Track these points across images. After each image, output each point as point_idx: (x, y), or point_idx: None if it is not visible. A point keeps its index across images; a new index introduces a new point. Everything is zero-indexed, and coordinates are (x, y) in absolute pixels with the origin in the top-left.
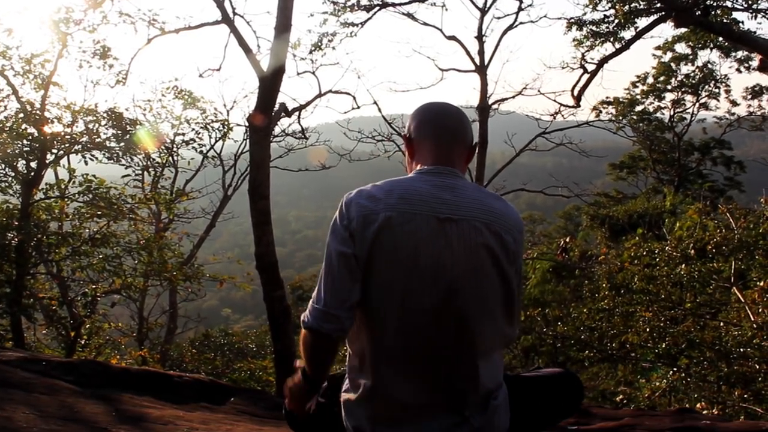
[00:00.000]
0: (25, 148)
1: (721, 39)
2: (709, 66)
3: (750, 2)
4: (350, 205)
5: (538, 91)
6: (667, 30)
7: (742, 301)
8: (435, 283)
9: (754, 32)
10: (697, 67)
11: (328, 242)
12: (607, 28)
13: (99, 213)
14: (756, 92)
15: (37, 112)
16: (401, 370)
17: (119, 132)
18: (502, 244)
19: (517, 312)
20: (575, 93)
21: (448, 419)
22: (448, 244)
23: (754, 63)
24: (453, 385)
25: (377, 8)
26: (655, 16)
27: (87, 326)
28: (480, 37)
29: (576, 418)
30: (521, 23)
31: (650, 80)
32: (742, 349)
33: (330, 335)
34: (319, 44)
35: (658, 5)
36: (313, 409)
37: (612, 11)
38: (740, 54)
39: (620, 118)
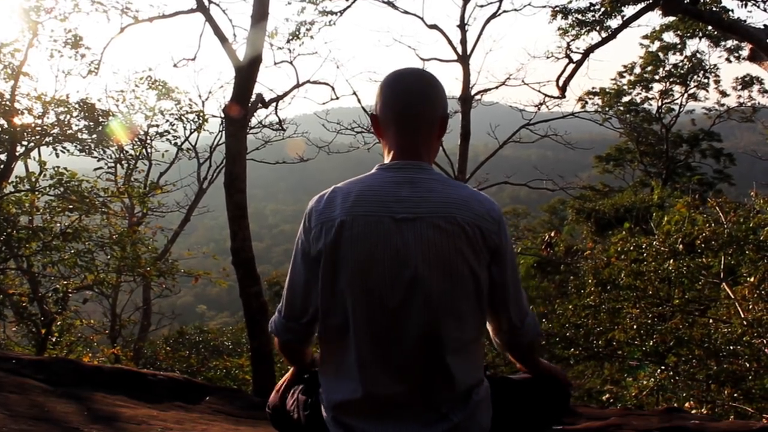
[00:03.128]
0: None
1: (710, 28)
2: (698, 56)
3: None
4: (311, 214)
5: (522, 81)
6: (654, 18)
7: (732, 297)
8: (394, 285)
9: (744, 21)
10: (686, 56)
11: (294, 250)
12: (593, 16)
13: (71, 207)
14: (746, 83)
15: (7, 103)
16: (376, 371)
17: (91, 123)
18: (465, 237)
19: (514, 300)
20: (560, 83)
21: (426, 416)
22: (405, 244)
23: (744, 52)
24: (427, 383)
25: None
26: (643, 4)
27: (58, 323)
28: (462, 26)
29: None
30: (505, 11)
31: (637, 70)
32: (731, 347)
33: (288, 343)
34: (297, 33)
35: None
36: (296, 405)
37: None
38: (730, 43)
39: (606, 109)
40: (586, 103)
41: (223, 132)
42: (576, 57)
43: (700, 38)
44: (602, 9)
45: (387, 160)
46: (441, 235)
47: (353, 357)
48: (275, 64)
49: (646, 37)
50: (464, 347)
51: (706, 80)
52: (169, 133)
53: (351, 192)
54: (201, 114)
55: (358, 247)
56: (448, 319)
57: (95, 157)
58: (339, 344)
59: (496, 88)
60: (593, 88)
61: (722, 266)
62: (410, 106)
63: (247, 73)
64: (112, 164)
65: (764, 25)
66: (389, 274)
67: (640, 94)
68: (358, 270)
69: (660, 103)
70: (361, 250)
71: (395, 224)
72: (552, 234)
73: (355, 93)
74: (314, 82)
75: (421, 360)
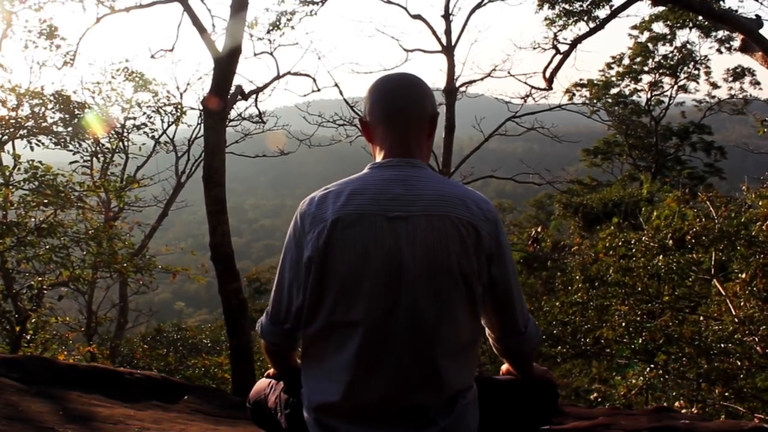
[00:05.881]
0: None
1: (700, 18)
2: (688, 46)
3: None
4: (303, 217)
5: (508, 72)
6: (644, 8)
7: (723, 294)
8: (385, 285)
9: (736, 11)
10: (676, 47)
11: (282, 253)
12: (581, 6)
13: (45, 201)
14: (737, 74)
15: None
16: (364, 373)
17: (67, 116)
18: (459, 237)
19: (519, 304)
20: (547, 75)
21: (413, 420)
22: (398, 243)
23: (736, 43)
24: (416, 386)
25: None
26: None
27: (33, 320)
28: (447, 16)
29: None
30: (490, 1)
31: (626, 61)
32: (722, 345)
33: (273, 347)
34: (278, 23)
35: None
36: (278, 403)
37: None
38: (721, 34)
39: (594, 101)
40: (574, 95)
41: (202, 125)
42: (563, 48)
43: (691, 29)
44: None
45: (379, 160)
46: (434, 235)
47: (341, 359)
48: (255, 55)
49: (635, 27)
50: (459, 351)
51: (696, 71)
52: (146, 125)
53: (343, 191)
54: (179, 106)
55: (350, 246)
56: (441, 323)
57: (71, 151)
58: (326, 345)
59: (482, 79)
60: (581, 79)
61: (713, 262)
62: (400, 102)
63: (226, 64)
64: (88, 158)
65: (756, 15)
66: (381, 275)
67: (629, 85)
68: (349, 270)
69: (649, 95)
70: (353, 250)
71: (388, 222)
72: (538, 229)
73: (336, 85)
74: (295, 74)
75: (412, 363)
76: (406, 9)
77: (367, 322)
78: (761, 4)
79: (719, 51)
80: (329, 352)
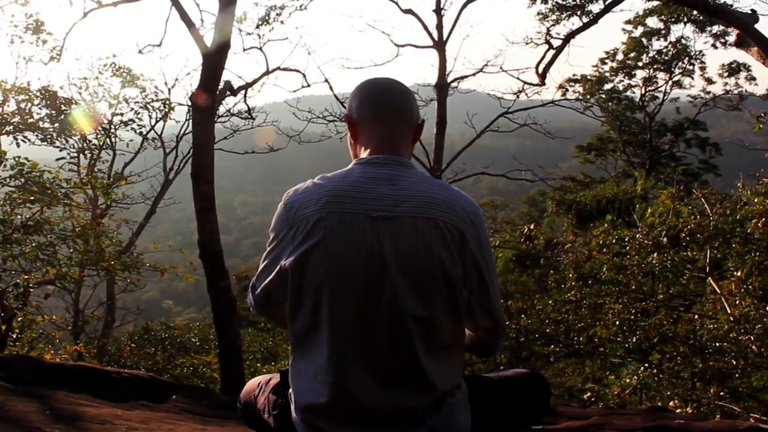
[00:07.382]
0: None
1: (695, 12)
2: (683, 41)
3: None
4: (286, 207)
5: (501, 68)
6: (638, 3)
7: (718, 292)
8: (368, 286)
9: (731, 5)
10: (670, 42)
11: (269, 238)
12: (574, 0)
13: (32, 198)
14: (733, 69)
15: None
16: (348, 373)
17: (53, 112)
18: (443, 240)
19: (491, 305)
20: (540, 70)
21: (401, 420)
22: (381, 244)
23: (731, 38)
24: (402, 386)
25: None
26: None
27: (19, 319)
28: (438, 11)
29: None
30: None
31: (620, 57)
32: (717, 344)
33: (251, 306)
34: (267, 18)
35: None
36: (266, 404)
37: None
38: (716, 29)
39: (588, 96)
40: (567, 90)
41: (190, 121)
42: (556, 43)
43: (685, 23)
44: None
45: (364, 156)
46: (418, 237)
47: (324, 360)
48: (244, 50)
49: (629, 22)
50: (440, 351)
51: (691, 67)
52: (134, 121)
53: (328, 187)
54: (167, 102)
55: (332, 245)
56: (419, 323)
57: (57, 147)
58: (310, 345)
59: (474, 75)
60: (574, 75)
61: (708, 260)
62: (391, 101)
63: (214, 59)
64: (75, 154)
65: (752, 10)
66: (362, 275)
67: (623, 81)
68: (330, 269)
69: (643, 91)
70: (335, 248)
71: (371, 222)
72: (531, 226)
73: (327, 80)
74: (285, 69)
75: (394, 362)
76: (397, 3)
77: (348, 322)
78: None
79: (714, 46)
80: (313, 353)
